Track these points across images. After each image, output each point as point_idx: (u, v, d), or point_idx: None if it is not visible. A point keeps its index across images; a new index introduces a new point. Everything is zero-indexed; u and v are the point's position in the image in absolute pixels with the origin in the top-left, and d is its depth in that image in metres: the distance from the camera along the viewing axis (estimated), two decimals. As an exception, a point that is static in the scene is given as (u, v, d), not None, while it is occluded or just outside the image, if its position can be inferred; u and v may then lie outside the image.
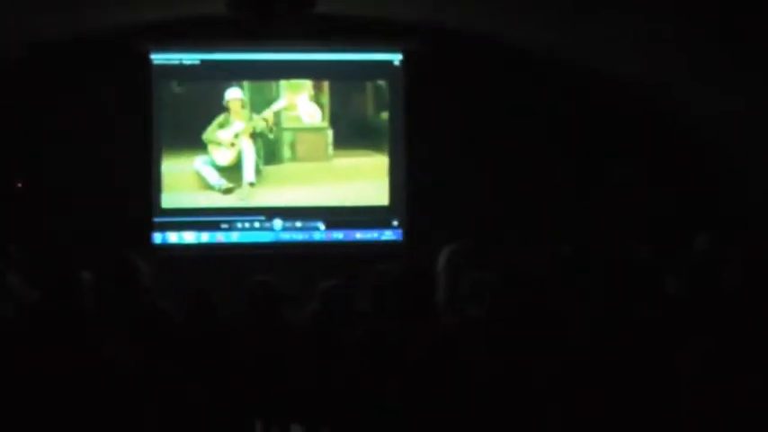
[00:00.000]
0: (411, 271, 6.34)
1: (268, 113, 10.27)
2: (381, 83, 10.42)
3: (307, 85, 10.32)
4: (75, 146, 10.05)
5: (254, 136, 10.25)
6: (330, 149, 10.33)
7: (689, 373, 4.07)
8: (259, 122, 10.26)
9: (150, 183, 10.16)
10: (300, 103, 10.33)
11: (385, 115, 10.41)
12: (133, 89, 10.10)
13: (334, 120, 10.34)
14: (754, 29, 7.29)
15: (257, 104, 10.28)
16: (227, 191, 10.25)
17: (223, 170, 10.25)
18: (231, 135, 10.22)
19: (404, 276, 6.29)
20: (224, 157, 10.23)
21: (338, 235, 10.39)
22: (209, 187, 10.24)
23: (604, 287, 5.85)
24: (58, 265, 6.27)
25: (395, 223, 10.40)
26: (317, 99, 10.33)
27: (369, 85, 10.43)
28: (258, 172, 10.25)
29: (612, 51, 9.25)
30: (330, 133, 10.33)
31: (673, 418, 4.03)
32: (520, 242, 8.69)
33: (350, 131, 10.38)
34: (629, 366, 4.56)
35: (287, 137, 10.30)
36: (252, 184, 10.24)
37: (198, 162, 10.22)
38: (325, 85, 10.34)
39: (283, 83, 10.29)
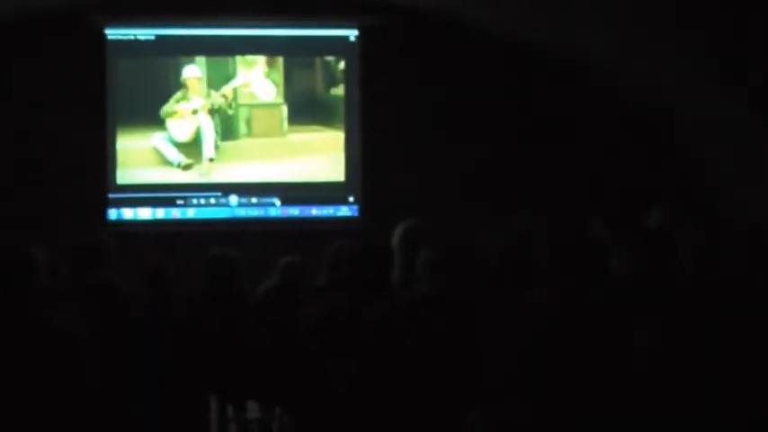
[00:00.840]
0: (367, 246, 6.37)
1: (228, 89, 10.24)
2: (337, 59, 10.40)
3: (261, 61, 10.30)
4: (28, 121, 10.00)
5: (212, 112, 10.23)
6: (285, 125, 10.33)
7: (636, 355, 4.10)
8: (218, 99, 10.23)
9: (105, 159, 10.11)
10: (255, 80, 10.31)
11: (339, 91, 10.40)
12: (87, 65, 10.05)
13: (289, 96, 10.33)
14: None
15: (215, 81, 10.25)
16: (187, 167, 10.22)
17: (182, 146, 10.22)
18: (189, 111, 10.19)
19: (359, 252, 6.32)
20: (182, 133, 10.20)
21: (294, 211, 10.39)
22: (167, 163, 10.21)
23: (557, 264, 5.88)
24: (11, 243, 6.25)
25: (351, 199, 10.43)
26: (270, 75, 10.32)
27: (323, 60, 10.42)
28: (216, 148, 10.23)
29: (567, 30, 9.31)
30: (284, 109, 10.32)
31: (621, 400, 4.07)
32: (475, 219, 8.71)
33: (304, 107, 10.37)
34: (579, 345, 4.59)
35: (243, 113, 10.29)
36: (212, 160, 10.23)
37: (156, 138, 10.19)
38: (280, 61, 10.33)
39: (239, 59, 10.27)
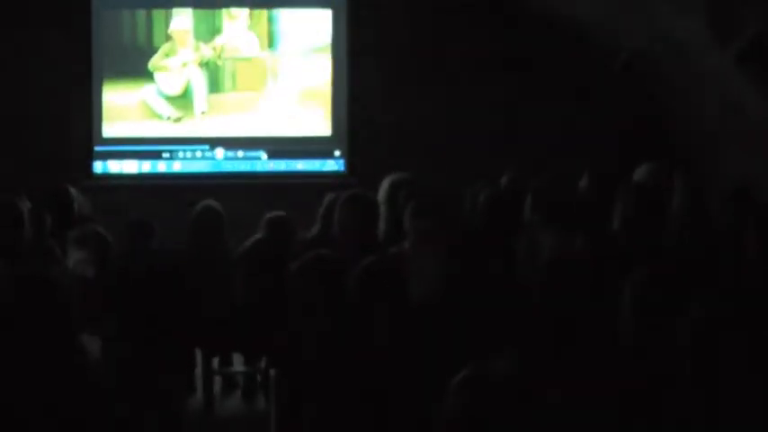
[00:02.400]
0: (355, 196, 6.35)
1: (218, 42, 10.16)
2: (324, 10, 10.35)
3: (244, 14, 10.22)
4: (14, 72, 9.93)
5: (202, 65, 10.16)
6: (269, 79, 10.27)
7: (624, 311, 4.09)
8: (207, 51, 10.17)
9: (91, 112, 10.06)
10: (239, 33, 10.24)
11: (326, 43, 10.35)
12: (73, 16, 9.98)
13: (273, 48, 10.27)
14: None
15: (201, 34, 10.18)
16: (177, 120, 10.17)
17: (172, 99, 10.17)
18: (179, 63, 10.12)
19: (348, 201, 6.30)
20: (172, 86, 10.15)
21: (280, 165, 10.36)
22: (156, 116, 10.16)
23: (545, 220, 5.89)
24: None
25: (337, 153, 10.39)
26: (254, 28, 10.24)
27: (309, 12, 10.36)
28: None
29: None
30: (269, 62, 10.26)
31: (606, 358, 4.07)
32: (461, 173, 8.70)
33: (289, 60, 10.31)
34: (568, 303, 4.59)
35: (228, 66, 10.22)
36: (204, 113, 10.17)
37: (145, 91, 10.13)
38: (264, 14, 10.25)
39: (224, 11, 10.19)
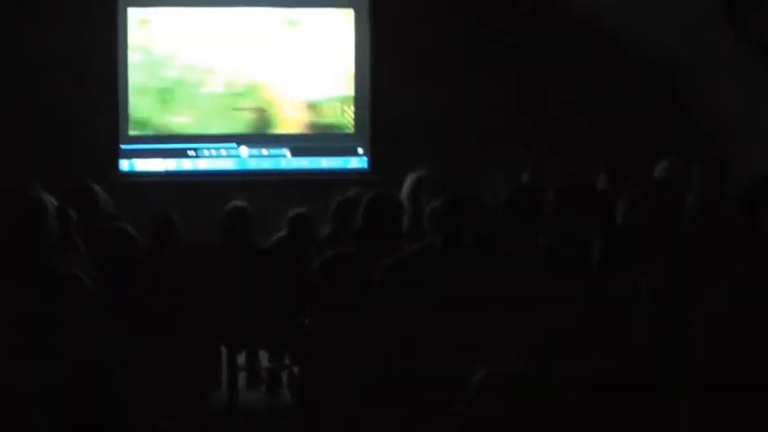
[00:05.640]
0: (375, 195, 6.42)
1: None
2: (346, 10, 10.41)
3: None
4: (42, 72, 10.03)
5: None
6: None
7: (639, 307, 4.13)
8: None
9: (118, 110, 10.15)
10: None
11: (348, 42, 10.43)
12: (99, 14, 10.09)
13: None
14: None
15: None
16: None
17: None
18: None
19: (368, 200, 6.37)
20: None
21: (304, 162, 10.44)
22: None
23: (562, 217, 5.92)
24: (25, 191, 6.33)
25: (360, 151, 10.47)
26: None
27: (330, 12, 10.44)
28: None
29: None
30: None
31: (619, 354, 4.09)
32: (484, 169, 8.75)
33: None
34: (584, 297, 4.62)
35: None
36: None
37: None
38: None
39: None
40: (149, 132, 10.24)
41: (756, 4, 7.63)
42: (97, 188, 7.25)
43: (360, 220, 6.47)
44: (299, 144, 10.43)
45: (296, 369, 5.96)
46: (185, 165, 10.34)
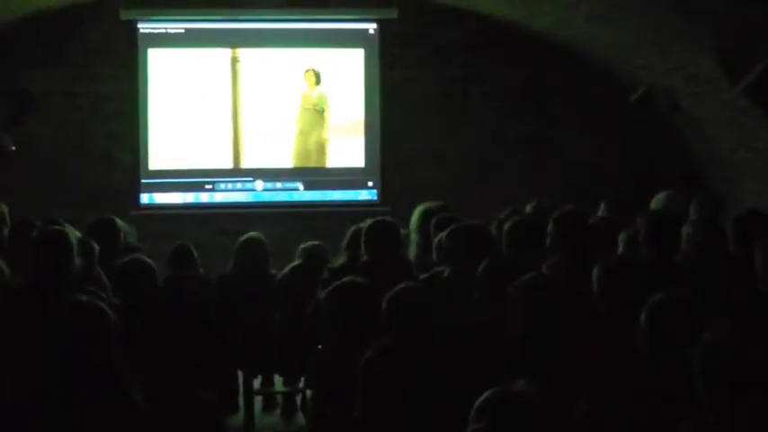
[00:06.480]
0: (380, 223, 6.55)
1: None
2: (357, 49, 10.67)
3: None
4: (65, 108, 10.30)
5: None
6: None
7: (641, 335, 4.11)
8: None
9: (138, 145, 10.40)
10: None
11: (359, 81, 10.68)
12: (121, 56, 10.37)
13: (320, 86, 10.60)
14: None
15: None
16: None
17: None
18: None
19: (373, 227, 6.48)
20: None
21: (317, 195, 10.70)
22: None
23: (564, 246, 6.04)
24: (51, 224, 6.47)
25: (370, 184, 10.71)
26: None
27: (343, 52, 10.70)
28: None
29: (575, 22, 9.51)
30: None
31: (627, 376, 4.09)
32: (489, 200, 8.93)
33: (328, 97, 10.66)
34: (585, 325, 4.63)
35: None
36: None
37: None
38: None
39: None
40: (168, 167, 10.49)
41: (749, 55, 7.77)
42: (120, 221, 7.39)
43: (363, 247, 6.55)
44: (311, 178, 10.68)
45: (309, 393, 6.02)
46: (203, 198, 10.60)
